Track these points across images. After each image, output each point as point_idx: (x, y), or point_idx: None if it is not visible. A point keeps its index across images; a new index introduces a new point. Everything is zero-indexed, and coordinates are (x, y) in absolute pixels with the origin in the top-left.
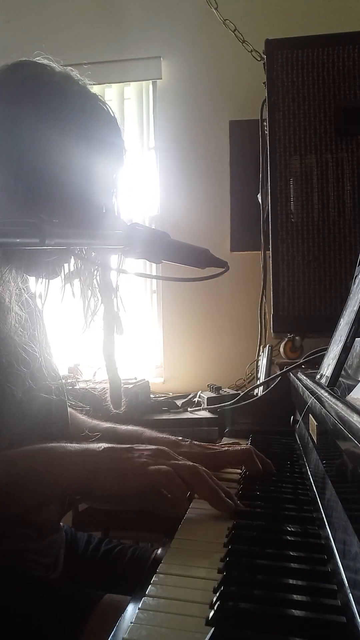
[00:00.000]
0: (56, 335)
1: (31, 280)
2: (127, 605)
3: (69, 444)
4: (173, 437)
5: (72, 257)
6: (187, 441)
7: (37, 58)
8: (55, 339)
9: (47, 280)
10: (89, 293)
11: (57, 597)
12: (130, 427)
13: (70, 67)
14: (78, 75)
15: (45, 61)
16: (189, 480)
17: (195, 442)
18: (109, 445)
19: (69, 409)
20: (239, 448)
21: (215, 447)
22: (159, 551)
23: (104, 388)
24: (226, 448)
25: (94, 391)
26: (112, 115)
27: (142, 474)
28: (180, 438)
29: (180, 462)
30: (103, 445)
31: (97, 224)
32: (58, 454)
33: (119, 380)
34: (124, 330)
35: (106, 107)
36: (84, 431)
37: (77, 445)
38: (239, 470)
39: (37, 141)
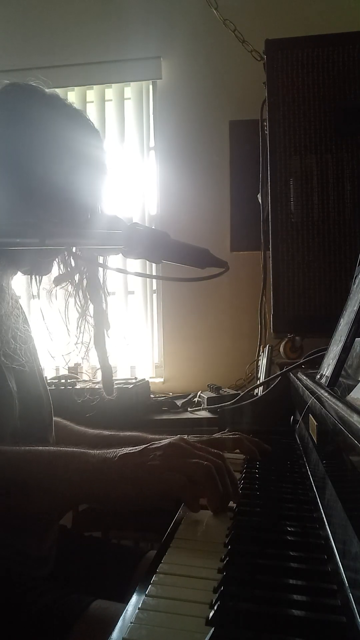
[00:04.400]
0: (50, 336)
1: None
2: (115, 614)
3: (89, 451)
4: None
5: (62, 256)
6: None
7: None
8: (49, 340)
9: (39, 276)
10: (79, 293)
11: (41, 602)
12: (133, 433)
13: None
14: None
15: (34, 83)
16: (199, 481)
17: (192, 436)
18: (124, 451)
19: (64, 421)
20: (231, 436)
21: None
22: (151, 552)
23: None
24: (220, 435)
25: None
26: (95, 128)
27: (157, 482)
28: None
29: (193, 461)
30: (119, 452)
31: (84, 223)
32: (78, 462)
33: (110, 369)
34: (110, 326)
35: (90, 121)
36: (90, 439)
37: (96, 452)
38: (242, 456)
39: (32, 147)
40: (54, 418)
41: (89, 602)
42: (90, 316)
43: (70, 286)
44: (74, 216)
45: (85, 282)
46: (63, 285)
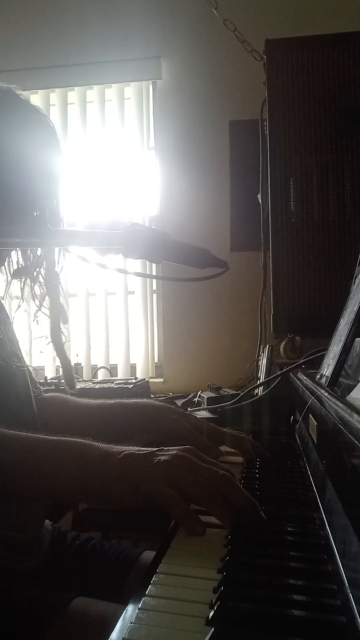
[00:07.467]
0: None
1: None
2: (96, 612)
3: (94, 443)
4: (181, 410)
5: (24, 250)
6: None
7: None
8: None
9: None
10: (35, 287)
11: (23, 598)
12: (139, 400)
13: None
14: (19, 90)
15: None
16: (203, 501)
17: (197, 417)
18: (130, 450)
19: (67, 396)
20: (235, 433)
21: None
22: (146, 553)
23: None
24: (225, 430)
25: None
26: (52, 127)
27: (152, 494)
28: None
29: (199, 480)
30: (124, 450)
31: (33, 220)
32: (81, 452)
33: (69, 362)
34: (68, 319)
35: (48, 120)
36: (90, 412)
37: (100, 445)
38: (241, 459)
39: None
40: (52, 394)
41: (70, 599)
42: (47, 308)
43: (28, 280)
44: (20, 213)
45: (42, 275)
46: (21, 279)
